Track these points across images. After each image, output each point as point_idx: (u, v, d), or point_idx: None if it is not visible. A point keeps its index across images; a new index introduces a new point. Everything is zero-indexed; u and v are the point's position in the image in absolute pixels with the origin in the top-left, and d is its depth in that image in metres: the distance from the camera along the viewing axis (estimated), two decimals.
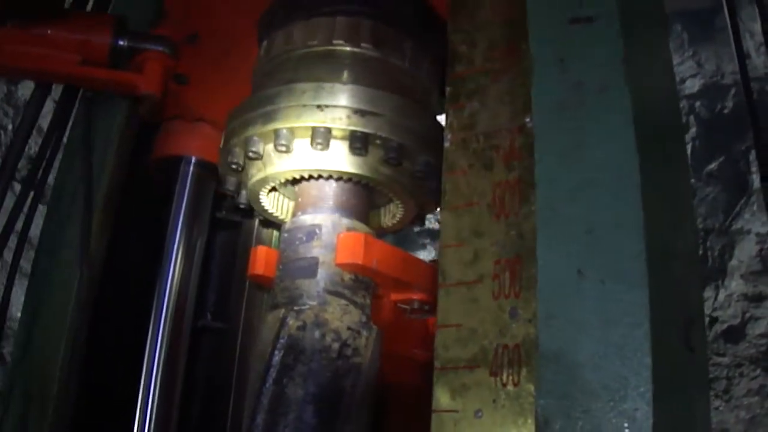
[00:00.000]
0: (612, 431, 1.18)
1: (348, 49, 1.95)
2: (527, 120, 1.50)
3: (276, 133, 1.84)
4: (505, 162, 1.53)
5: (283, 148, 1.84)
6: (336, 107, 1.82)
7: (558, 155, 1.37)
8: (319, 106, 1.82)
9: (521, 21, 1.54)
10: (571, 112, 1.38)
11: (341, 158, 1.85)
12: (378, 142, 1.82)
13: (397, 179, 1.89)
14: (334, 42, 1.96)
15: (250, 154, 1.89)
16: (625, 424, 1.17)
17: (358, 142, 1.80)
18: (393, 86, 1.91)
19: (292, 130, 1.84)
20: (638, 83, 1.41)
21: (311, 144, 1.82)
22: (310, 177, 1.93)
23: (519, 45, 1.58)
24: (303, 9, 2.04)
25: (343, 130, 1.81)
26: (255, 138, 1.88)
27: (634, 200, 1.27)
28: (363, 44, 1.95)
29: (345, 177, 1.90)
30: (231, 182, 2.04)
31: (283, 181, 1.97)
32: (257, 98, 1.92)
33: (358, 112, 1.81)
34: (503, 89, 1.59)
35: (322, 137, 1.80)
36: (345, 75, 1.91)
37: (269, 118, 1.86)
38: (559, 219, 1.32)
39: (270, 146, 1.87)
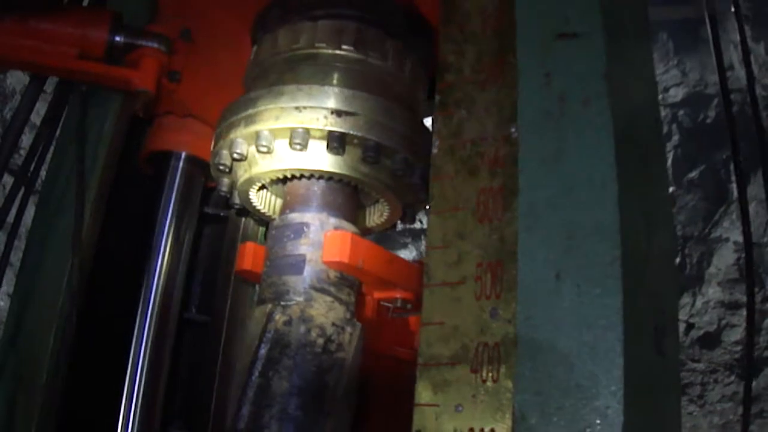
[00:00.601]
0: (584, 427, 1.23)
1: (329, 51, 2.00)
2: (512, 129, 1.54)
3: (257, 134, 1.89)
4: (489, 169, 1.57)
5: (265, 149, 1.89)
6: (314, 108, 1.86)
7: (540, 164, 1.42)
8: (297, 108, 1.87)
9: (509, 33, 1.59)
10: (555, 123, 1.43)
11: (320, 158, 1.89)
12: (355, 141, 1.86)
13: (377, 177, 1.93)
14: (317, 45, 2.01)
15: (235, 155, 1.94)
16: (597, 421, 1.22)
17: (336, 142, 1.85)
18: (372, 87, 1.95)
19: (272, 132, 1.88)
20: (620, 96, 1.46)
21: (290, 145, 1.87)
22: (293, 177, 1.98)
23: (507, 57, 1.62)
24: (288, 14, 2.09)
25: (321, 130, 1.85)
26: (239, 140, 1.93)
27: (612, 209, 1.32)
28: (344, 46, 2.00)
29: (326, 176, 1.95)
30: (224, 183, 2.08)
31: (269, 180, 2.01)
32: (242, 101, 1.97)
33: (335, 112, 1.85)
34: (490, 99, 1.64)
35: (300, 137, 1.85)
36: (325, 77, 1.95)
37: (251, 120, 1.91)
38: (540, 225, 1.38)
39: (253, 148, 1.91)
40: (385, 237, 5.34)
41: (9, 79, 5.53)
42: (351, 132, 1.85)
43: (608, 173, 1.35)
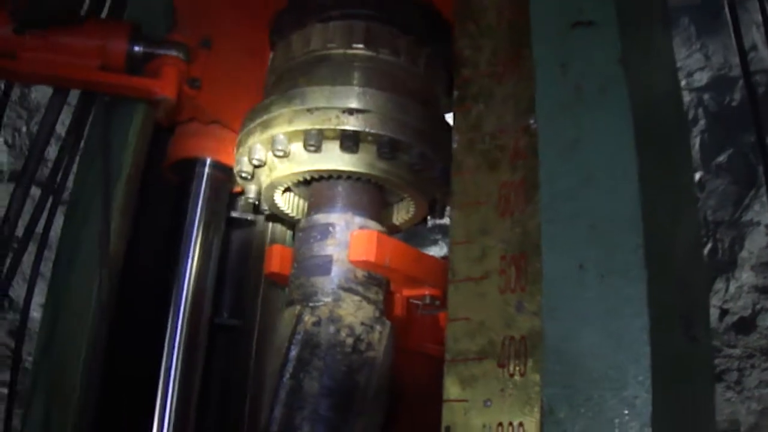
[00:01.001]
0: (613, 418, 1.23)
1: (340, 51, 2.01)
2: (531, 121, 1.54)
3: (273, 139, 1.91)
4: (510, 162, 1.57)
5: (281, 153, 1.90)
6: (326, 109, 1.87)
7: (560, 154, 1.42)
8: (309, 110, 1.88)
9: (524, 26, 1.59)
10: (572, 112, 1.43)
11: (336, 157, 1.90)
12: (370, 138, 1.87)
13: (395, 173, 1.93)
14: (328, 46, 2.02)
15: (255, 161, 1.96)
16: (626, 411, 1.22)
17: (349, 140, 1.85)
18: (385, 83, 1.95)
19: (287, 135, 1.90)
20: (638, 83, 1.45)
21: (304, 147, 1.88)
22: (315, 178, 1.99)
23: (522, 49, 1.62)
24: (300, 18, 2.11)
25: (334, 130, 1.86)
26: (257, 146, 1.95)
27: (633, 196, 1.32)
28: (354, 45, 2.01)
29: (344, 175, 1.95)
30: (250, 189, 2.10)
31: (291, 183, 2.03)
32: (258, 108, 1.99)
33: (347, 111, 1.86)
34: (507, 91, 1.64)
35: (314, 139, 1.86)
36: (336, 77, 1.96)
37: (266, 125, 1.93)
38: (562, 216, 1.38)
39: (271, 153, 1.94)
40: (414, 234, 5.34)
41: (33, 93, 5.59)
42: (364, 129, 1.85)
43: (628, 160, 1.34)
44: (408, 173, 1.94)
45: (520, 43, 1.64)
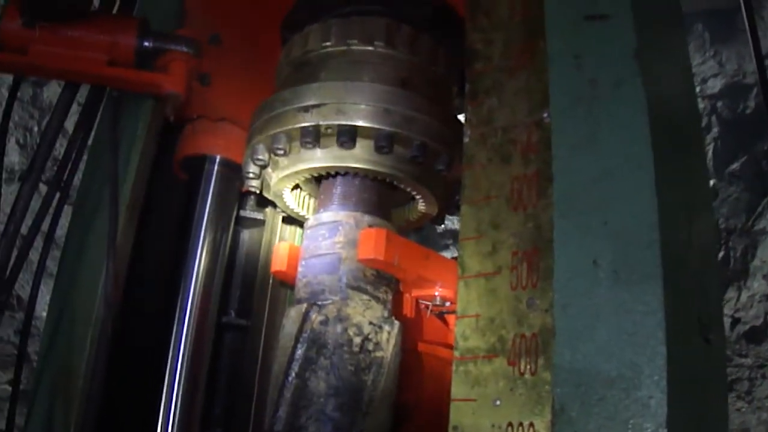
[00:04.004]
0: (627, 419, 1.20)
1: (337, 48, 2.00)
2: (544, 115, 1.52)
3: (273, 138, 1.90)
4: (522, 156, 1.55)
5: (281, 152, 1.90)
6: (319, 106, 1.85)
7: (574, 149, 1.39)
8: (305, 107, 1.86)
9: (537, 18, 1.57)
10: (587, 106, 1.41)
11: (334, 154, 1.89)
12: (366, 133, 1.84)
13: (395, 166, 1.90)
14: (323, 44, 2.01)
15: (258, 161, 1.96)
16: (640, 412, 1.19)
17: (344, 136, 1.83)
18: (381, 76, 1.92)
19: (287, 133, 1.89)
20: (652, 78, 1.43)
21: (301, 144, 1.87)
22: (320, 176, 1.99)
23: (535, 42, 1.60)
24: (307, 17, 2.11)
25: (330, 125, 1.84)
26: (260, 146, 1.95)
27: (649, 192, 1.29)
28: (349, 41, 1.99)
29: (342, 172, 1.95)
30: (258, 188, 2.11)
31: (295, 183, 2.03)
32: (261, 107, 1.99)
33: (341, 106, 1.84)
34: (520, 85, 1.62)
35: (311, 136, 1.85)
36: (329, 73, 1.94)
37: (266, 125, 1.93)
38: (575, 211, 1.35)
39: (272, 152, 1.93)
40: (425, 239, 5.32)
41: (46, 92, 5.60)
42: (358, 124, 1.83)
43: (644, 155, 1.32)
44: (411, 167, 1.91)
45: (532, 36, 1.63)
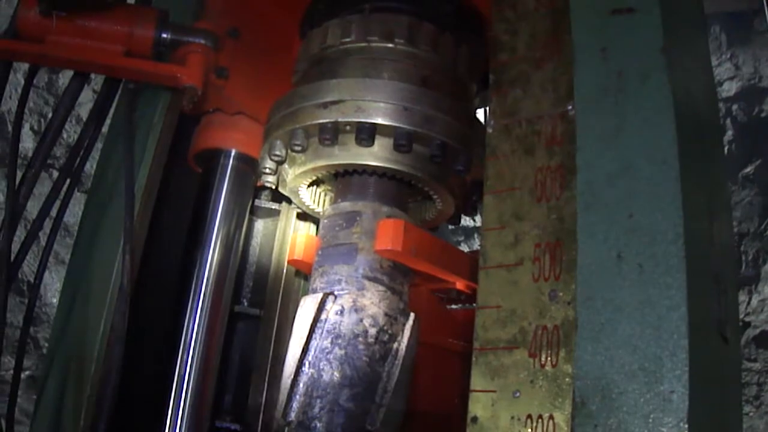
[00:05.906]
0: (648, 413, 1.19)
1: (356, 45, 1.99)
2: (569, 107, 1.52)
3: (292, 134, 1.89)
4: (546, 147, 1.55)
5: (299, 148, 1.89)
6: (338, 102, 1.84)
7: (599, 141, 1.39)
8: (323, 104, 1.85)
9: (563, 11, 1.57)
10: (612, 99, 1.40)
11: (353, 151, 1.88)
12: (386, 131, 1.83)
13: (414, 165, 1.89)
14: (342, 41, 2.00)
15: (275, 157, 1.95)
16: (662, 406, 1.18)
17: (364, 134, 1.82)
18: (401, 74, 1.91)
19: (304, 130, 1.88)
20: (677, 74, 1.42)
21: (319, 141, 1.86)
22: (337, 173, 1.98)
23: (561, 34, 1.60)
24: (326, 12, 2.10)
25: (349, 122, 1.83)
26: (278, 142, 1.94)
27: (674, 186, 1.29)
28: (369, 37, 1.98)
29: (359, 169, 1.93)
30: (274, 183, 2.09)
31: (312, 179, 2.02)
32: (278, 102, 1.98)
33: (359, 104, 1.84)
34: (546, 77, 1.61)
35: (329, 133, 1.84)
36: (348, 70, 1.93)
37: (285, 120, 1.92)
38: (600, 204, 1.35)
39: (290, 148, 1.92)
40: (437, 235, 5.30)
41: (61, 79, 5.59)
42: (378, 121, 1.82)
43: (669, 149, 1.31)
44: (430, 166, 1.89)
45: (558, 28, 1.62)
